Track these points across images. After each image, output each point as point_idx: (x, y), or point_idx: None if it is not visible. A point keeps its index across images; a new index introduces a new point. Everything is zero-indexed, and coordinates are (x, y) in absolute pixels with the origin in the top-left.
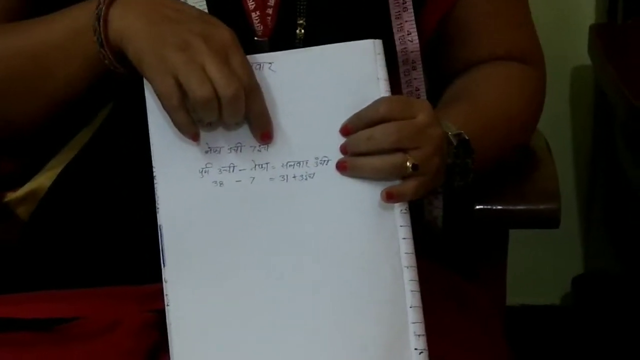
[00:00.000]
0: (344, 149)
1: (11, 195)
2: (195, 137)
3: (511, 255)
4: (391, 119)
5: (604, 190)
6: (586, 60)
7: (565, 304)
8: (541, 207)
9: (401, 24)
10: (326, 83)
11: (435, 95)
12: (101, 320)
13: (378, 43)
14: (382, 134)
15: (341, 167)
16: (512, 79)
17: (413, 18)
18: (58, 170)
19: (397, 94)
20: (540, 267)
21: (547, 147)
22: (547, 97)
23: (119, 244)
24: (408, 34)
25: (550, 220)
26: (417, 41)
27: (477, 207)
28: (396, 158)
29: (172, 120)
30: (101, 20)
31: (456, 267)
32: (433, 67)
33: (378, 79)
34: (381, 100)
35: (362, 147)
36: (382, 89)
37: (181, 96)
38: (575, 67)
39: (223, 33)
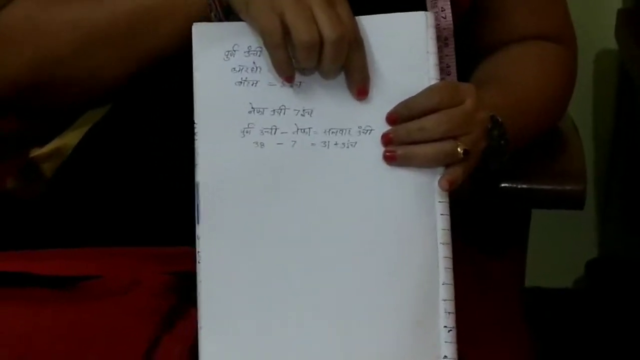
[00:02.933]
0: (388, 140)
1: (37, 151)
2: (290, 79)
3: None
4: (441, 109)
5: (622, 175)
6: (612, 44)
7: (579, 287)
8: (567, 187)
9: (435, 0)
10: (375, 52)
11: (465, 72)
12: (120, 280)
13: (430, 15)
14: (433, 125)
15: (389, 158)
16: (544, 60)
17: None
18: (86, 128)
19: None
20: (555, 250)
21: (575, 128)
22: None
23: (143, 205)
24: (442, 11)
25: (574, 201)
26: (451, 18)
27: (502, 185)
28: (448, 146)
29: (272, 58)
30: None
31: (479, 245)
32: (464, 43)
33: (428, 52)
34: (430, 90)
35: (412, 138)
36: (431, 63)
37: (284, 35)
38: (602, 51)
39: None
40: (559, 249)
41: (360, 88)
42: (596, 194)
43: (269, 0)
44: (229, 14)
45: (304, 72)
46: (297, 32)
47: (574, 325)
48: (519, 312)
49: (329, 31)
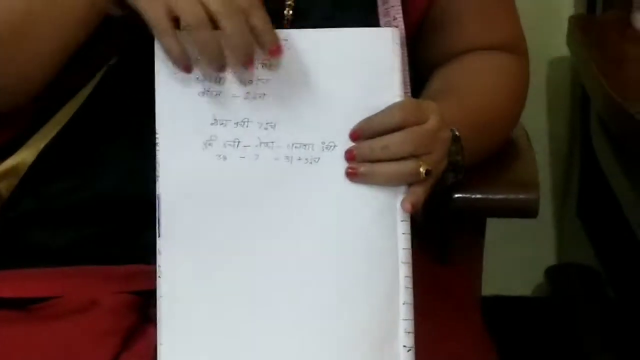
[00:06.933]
0: (351, 156)
1: None
2: (188, 69)
3: (485, 245)
4: (404, 127)
5: (578, 182)
6: (564, 51)
7: (538, 294)
8: (520, 196)
9: (387, 9)
10: (340, 67)
11: (417, 82)
12: (77, 300)
13: (396, 32)
14: (396, 144)
15: (351, 174)
16: (498, 70)
17: (399, 4)
18: (41, 145)
19: None
20: (513, 258)
21: (527, 137)
22: None
23: (100, 224)
24: (394, 20)
25: (528, 210)
26: (403, 27)
27: (456, 195)
28: (410, 165)
29: (163, 46)
30: None
31: (434, 255)
32: (416, 54)
33: (393, 68)
34: (394, 108)
35: (375, 155)
36: (396, 80)
37: (172, 22)
38: (554, 58)
39: None
40: (517, 256)
41: (272, 49)
42: (553, 201)
43: None
44: (124, 5)
45: (217, 69)
46: (184, 14)
47: (535, 332)
48: (478, 322)
49: (215, 5)
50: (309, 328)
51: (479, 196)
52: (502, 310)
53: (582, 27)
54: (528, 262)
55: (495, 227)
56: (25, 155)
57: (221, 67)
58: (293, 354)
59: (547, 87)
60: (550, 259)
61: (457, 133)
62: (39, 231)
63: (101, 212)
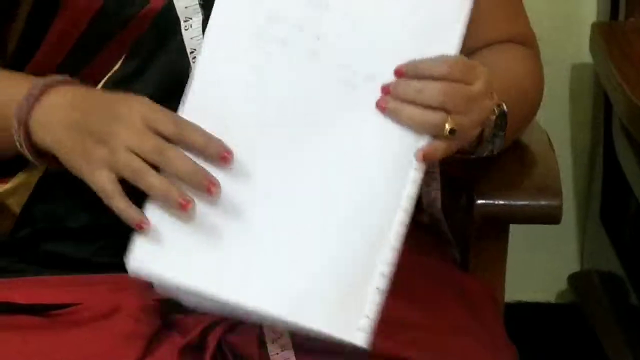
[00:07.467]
0: (386, 91)
1: (1, 187)
2: (140, 226)
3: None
4: (448, 80)
5: (601, 188)
6: (587, 58)
7: (561, 301)
8: (542, 203)
9: None
10: (408, 4)
11: None
12: (99, 307)
13: None
14: (431, 92)
15: (380, 106)
16: (520, 58)
17: None
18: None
19: None
20: (536, 264)
21: (549, 143)
22: (548, 94)
23: (119, 236)
24: None
25: (551, 217)
26: None
27: (479, 201)
28: (436, 117)
29: (115, 210)
30: (22, 128)
31: (456, 261)
32: None
33: (458, 21)
34: (444, 59)
35: (408, 96)
36: (457, 33)
37: (117, 184)
38: (576, 64)
39: (132, 107)
40: (540, 262)
41: (221, 157)
42: (576, 207)
43: (89, 163)
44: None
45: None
46: (124, 173)
47: (558, 339)
48: (500, 328)
49: (150, 154)
50: (300, 239)
51: (501, 202)
52: (524, 317)
53: (605, 33)
54: (551, 269)
55: (518, 233)
56: (32, 170)
57: (185, 204)
58: (280, 257)
59: (569, 94)
60: (574, 266)
61: (505, 108)
62: (57, 246)
63: (119, 226)
